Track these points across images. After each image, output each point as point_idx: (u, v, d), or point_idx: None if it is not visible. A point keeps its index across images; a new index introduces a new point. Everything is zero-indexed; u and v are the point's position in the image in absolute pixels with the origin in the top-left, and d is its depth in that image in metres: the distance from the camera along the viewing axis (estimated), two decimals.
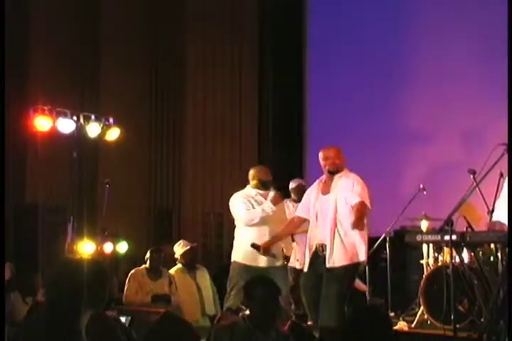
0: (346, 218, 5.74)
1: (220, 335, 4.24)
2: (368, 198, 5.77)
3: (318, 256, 5.81)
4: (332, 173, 5.90)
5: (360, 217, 5.65)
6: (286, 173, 9.37)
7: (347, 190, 5.78)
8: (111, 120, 8.83)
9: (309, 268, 5.90)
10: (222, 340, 4.19)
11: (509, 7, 6.20)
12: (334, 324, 5.55)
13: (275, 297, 4.33)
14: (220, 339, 4.21)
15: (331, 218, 5.77)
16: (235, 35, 11.72)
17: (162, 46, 11.26)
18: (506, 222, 5.14)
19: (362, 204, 5.69)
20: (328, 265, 5.70)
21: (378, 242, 7.78)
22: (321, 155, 5.99)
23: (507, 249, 4.90)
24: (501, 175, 5.81)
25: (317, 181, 6.11)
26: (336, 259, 5.70)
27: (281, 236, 6.32)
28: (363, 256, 5.77)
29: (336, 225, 5.75)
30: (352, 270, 5.78)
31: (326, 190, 5.93)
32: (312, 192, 6.10)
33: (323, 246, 5.77)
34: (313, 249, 5.86)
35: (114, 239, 9.02)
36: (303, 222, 6.19)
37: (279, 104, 11.88)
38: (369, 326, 3.54)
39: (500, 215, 5.31)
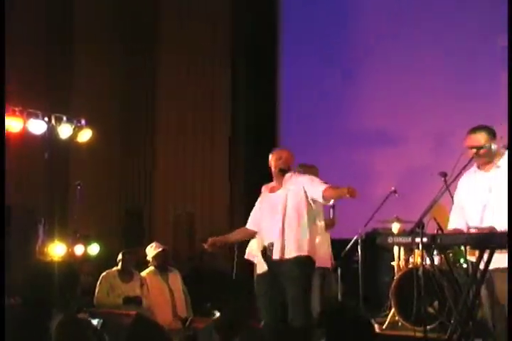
0: (296, 212, 5.71)
1: None
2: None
3: (268, 256, 5.73)
4: (283, 172, 5.87)
5: (337, 188, 5.57)
6: (258, 173, 9.35)
7: (299, 185, 5.76)
8: (83, 121, 8.79)
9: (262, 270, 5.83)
10: None
11: (509, 7, 6.25)
12: (304, 322, 5.55)
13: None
14: None
15: (281, 211, 5.73)
16: (208, 33, 11.67)
17: (134, 46, 11.20)
18: (463, 228, 5.21)
19: (329, 188, 5.63)
20: (275, 257, 5.64)
21: (350, 244, 7.83)
22: (273, 156, 5.94)
23: (477, 252, 4.94)
24: None
25: (263, 189, 6.11)
26: (284, 251, 5.64)
27: (227, 240, 6.24)
28: (312, 250, 5.71)
29: (284, 219, 5.69)
30: (302, 263, 5.66)
31: (275, 189, 5.93)
32: (260, 200, 6.10)
33: (272, 245, 5.70)
34: (262, 249, 5.79)
35: (86, 240, 8.96)
36: (251, 233, 6.08)
37: (252, 103, 11.87)
38: (350, 327, 3.54)
39: (454, 223, 5.38)
